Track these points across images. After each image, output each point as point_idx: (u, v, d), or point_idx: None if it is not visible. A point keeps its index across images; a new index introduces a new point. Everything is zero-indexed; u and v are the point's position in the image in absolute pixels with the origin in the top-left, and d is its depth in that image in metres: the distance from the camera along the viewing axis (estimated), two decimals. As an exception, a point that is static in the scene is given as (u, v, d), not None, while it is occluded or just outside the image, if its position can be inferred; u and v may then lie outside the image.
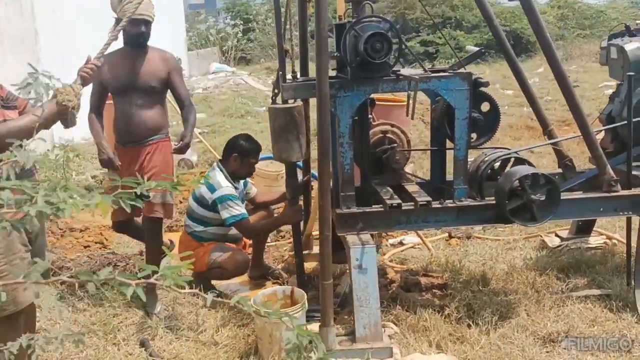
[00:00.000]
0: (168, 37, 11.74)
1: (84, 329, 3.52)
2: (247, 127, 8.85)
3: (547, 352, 3.22)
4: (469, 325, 3.44)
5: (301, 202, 4.06)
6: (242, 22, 19.82)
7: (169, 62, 3.83)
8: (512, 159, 3.72)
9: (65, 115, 2.64)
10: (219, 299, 3.95)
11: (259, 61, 17.89)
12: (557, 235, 4.68)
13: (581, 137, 3.59)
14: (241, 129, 8.69)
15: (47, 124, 2.66)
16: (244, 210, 3.92)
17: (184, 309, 3.77)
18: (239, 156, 4.03)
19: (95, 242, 5.18)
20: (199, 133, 7.99)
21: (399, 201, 3.44)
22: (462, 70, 3.43)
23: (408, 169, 6.56)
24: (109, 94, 3.88)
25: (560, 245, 4.52)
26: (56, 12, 7.84)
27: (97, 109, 3.84)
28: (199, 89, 12.17)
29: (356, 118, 3.62)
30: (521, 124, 9.24)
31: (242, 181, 4.20)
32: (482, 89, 3.47)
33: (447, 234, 5.13)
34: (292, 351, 1.42)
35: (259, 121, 9.70)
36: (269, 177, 5.63)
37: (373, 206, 3.54)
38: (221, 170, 4.03)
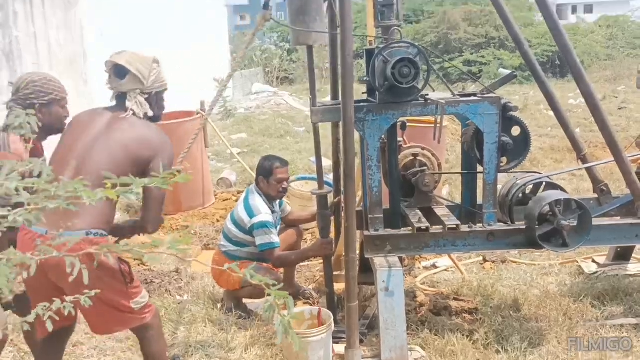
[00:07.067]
0: (212, 58, 12.07)
1: (118, 344, 3.63)
2: (286, 147, 8.97)
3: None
4: (497, 352, 3.40)
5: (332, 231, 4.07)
6: (287, 42, 20.14)
7: None
8: (544, 184, 3.68)
9: None
10: (250, 317, 4.02)
11: (301, 81, 18.08)
12: (594, 261, 4.57)
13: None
14: (280, 149, 8.82)
15: None
16: (277, 239, 3.96)
17: (215, 326, 3.84)
18: (263, 177, 4.06)
19: (134, 259, 5.31)
20: (238, 153, 8.13)
21: (427, 224, 3.44)
22: (491, 94, 3.42)
23: (444, 190, 6.56)
24: None
25: (597, 272, 4.41)
26: (104, 35, 8.17)
27: None
28: (241, 109, 12.41)
29: (385, 141, 3.67)
30: (563, 145, 9.05)
31: (277, 202, 4.24)
32: (512, 113, 3.46)
33: (481, 258, 5.07)
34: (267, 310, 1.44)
35: (298, 141, 9.81)
36: (304, 197, 5.68)
37: (402, 229, 3.56)
38: (259, 194, 4.06)
